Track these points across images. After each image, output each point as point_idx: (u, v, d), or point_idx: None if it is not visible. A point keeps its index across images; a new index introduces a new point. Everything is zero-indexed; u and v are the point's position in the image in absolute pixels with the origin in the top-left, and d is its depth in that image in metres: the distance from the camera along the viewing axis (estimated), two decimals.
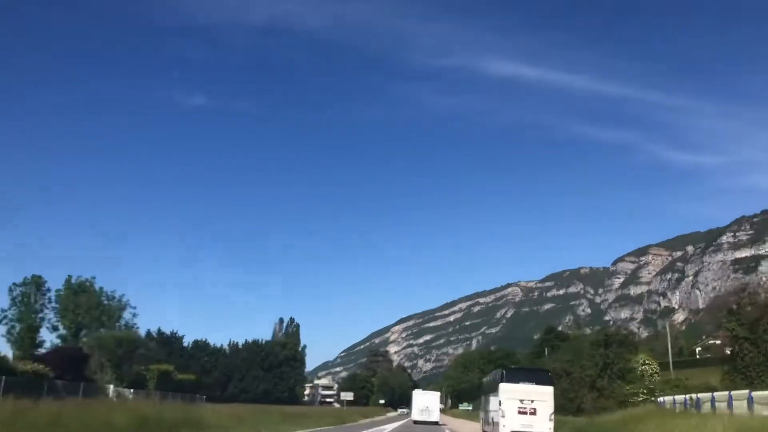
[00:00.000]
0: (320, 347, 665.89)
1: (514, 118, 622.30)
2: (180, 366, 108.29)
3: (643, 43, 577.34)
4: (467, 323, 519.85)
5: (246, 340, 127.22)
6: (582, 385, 67.90)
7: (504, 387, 29.77)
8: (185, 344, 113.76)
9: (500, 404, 29.30)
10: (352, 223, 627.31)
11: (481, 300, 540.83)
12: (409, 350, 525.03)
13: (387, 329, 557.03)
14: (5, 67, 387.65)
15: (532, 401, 29.11)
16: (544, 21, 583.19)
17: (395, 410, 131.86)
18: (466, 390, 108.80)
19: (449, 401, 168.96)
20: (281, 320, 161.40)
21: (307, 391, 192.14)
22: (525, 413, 28.91)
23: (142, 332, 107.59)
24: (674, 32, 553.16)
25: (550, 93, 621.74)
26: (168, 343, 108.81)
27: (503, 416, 29.04)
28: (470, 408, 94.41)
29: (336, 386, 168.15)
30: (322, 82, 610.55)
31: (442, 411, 73.82)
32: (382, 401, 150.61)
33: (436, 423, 58.26)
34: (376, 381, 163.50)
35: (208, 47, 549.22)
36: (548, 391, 29.55)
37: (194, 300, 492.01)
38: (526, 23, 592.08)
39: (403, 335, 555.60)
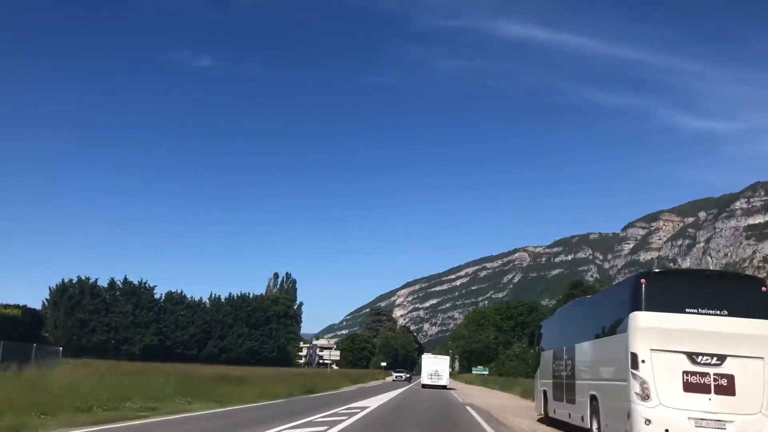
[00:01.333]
0: (326, 310, 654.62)
1: (525, 82, 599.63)
2: (149, 320, 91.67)
3: (657, 7, 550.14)
4: (474, 288, 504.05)
5: (230, 293, 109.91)
6: None
7: (647, 320, 11.93)
8: (157, 296, 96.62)
9: (637, 366, 11.62)
10: (359, 186, 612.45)
11: (488, 265, 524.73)
12: (414, 314, 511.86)
13: (393, 293, 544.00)
14: (10, 23, 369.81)
15: (723, 359, 11.47)
16: None
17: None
18: (479, 351, 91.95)
19: (457, 365, 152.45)
20: (276, 275, 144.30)
21: (304, 352, 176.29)
22: (704, 388, 11.29)
23: (103, 281, 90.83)
24: None
25: (562, 56, 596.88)
26: (134, 293, 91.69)
27: (646, 393, 11.47)
28: (486, 372, 77.46)
29: (335, 347, 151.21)
30: (331, 43, 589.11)
31: (451, 375, 73.02)
32: (383, 364, 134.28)
33: (444, 387, 58.42)
34: (378, 342, 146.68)
35: (215, 7, 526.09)
36: (761, 334, 11.67)
37: (193, 257, 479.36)
38: None
39: (409, 299, 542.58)
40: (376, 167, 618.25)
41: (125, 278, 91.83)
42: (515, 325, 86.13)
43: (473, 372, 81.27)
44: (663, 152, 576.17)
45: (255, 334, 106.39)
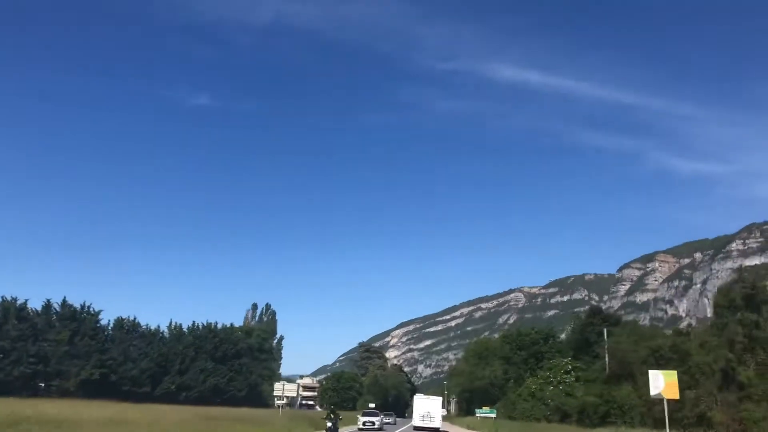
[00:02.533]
0: (319, 351, 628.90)
1: (520, 124, 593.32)
2: (90, 350, 75.24)
3: (650, 50, 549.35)
4: (469, 328, 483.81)
5: (194, 321, 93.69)
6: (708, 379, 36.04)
7: None
8: (104, 322, 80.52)
9: None
10: (354, 226, 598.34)
11: (483, 305, 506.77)
12: (409, 355, 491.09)
13: (387, 333, 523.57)
14: (7, 65, 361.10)
15: None
16: (551, 26, 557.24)
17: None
18: (483, 390, 75.41)
19: (453, 407, 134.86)
20: (254, 306, 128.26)
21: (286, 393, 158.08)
22: None
23: (36, 303, 75.04)
24: (681, 39, 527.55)
25: (557, 99, 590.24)
26: (74, 318, 75.55)
27: None
28: (493, 415, 60.85)
29: (319, 386, 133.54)
30: (328, 83, 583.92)
31: (449, 419, 72.16)
32: (371, 405, 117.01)
33: (437, 430, 56.35)
34: (366, 381, 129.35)
35: (212, 46, 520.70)
36: None
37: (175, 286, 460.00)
38: (532, 28, 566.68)
39: (404, 339, 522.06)
40: (370, 206, 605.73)
41: (64, 300, 75.77)
42: (528, 356, 69.16)
43: (477, 414, 64.54)
44: (657, 194, 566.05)
45: (222, 369, 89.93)
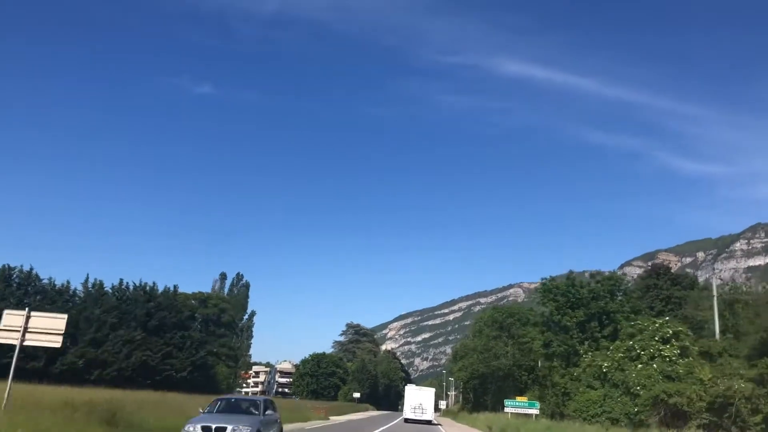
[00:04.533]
0: (315, 341, 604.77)
1: (524, 120, 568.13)
2: None
3: (655, 50, 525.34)
4: (467, 323, 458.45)
5: (122, 279, 69.34)
6: None
7: None
8: None
9: None
10: (353, 219, 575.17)
11: (482, 300, 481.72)
12: (406, 348, 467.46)
13: (385, 326, 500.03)
14: (10, 52, 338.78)
15: None
16: (556, 22, 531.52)
17: (367, 410, 75.42)
18: (505, 373, 50.35)
19: (453, 399, 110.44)
20: (223, 275, 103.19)
21: (261, 378, 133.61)
22: None
23: None
24: (686, 40, 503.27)
25: (561, 95, 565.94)
26: None
27: None
28: (535, 410, 35.42)
29: (295, 371, 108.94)
30: (330, 74, 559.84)
31: (450, 415, 67.60)
32: (356, 395, 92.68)
33: (429, 422, 51.61)
34: (352, 366, 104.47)
35: (216, 35, 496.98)
36: None
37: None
38: (538, 24, 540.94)
39: (401, 332, 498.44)
40: (372, 198, 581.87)
41: None
42: (588, 317, 40.85)
43: (507, 409, 37.69)
44: (660, 193, 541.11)
45: (155, 342, 65.64)
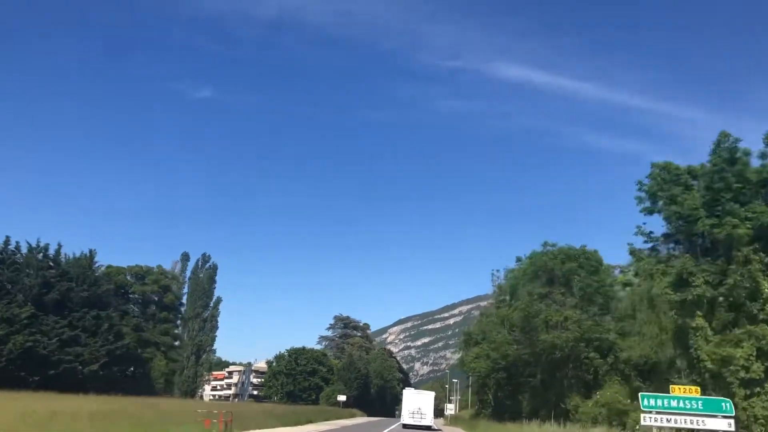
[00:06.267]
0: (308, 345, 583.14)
1: (523, 124, 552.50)
2: None
3: (654, 53, 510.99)
4: (468, 327, 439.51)
5: (8, 237, 49.51)
6: None
7: None
8: None
9: None
10: (354, 221, 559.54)
11: (483, 304, 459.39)
12: (406, 352, 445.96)
13: (385, 330, 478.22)
14: (8, 55, 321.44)
15: None
16: (555, 27, 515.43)
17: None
18: (549, 363, 30.00)
19: (457, 404, 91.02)
20: (185, 255, 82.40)
21: (234, 380, 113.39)
22: None
23: None
24: (686, 43, 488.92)
25: (560, 99, 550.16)
26: None
27: None
28: (723, 416, 15.11)
29: (269, 370, 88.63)
30: (330, 78, 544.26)
31: (460, 423, 60.79)
32: (342, 398, 72.46)
33: (428, 428, 46.89)
34: (338, 364, 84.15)
35: (216, 39, 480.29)
36: None
37: None
38: (536, 28, 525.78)
39: (401, 336, 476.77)
40: (371, 200, 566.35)
41: None
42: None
43: (644, 418, 14.47)
44: None
45: (54, 325, 45.91)
